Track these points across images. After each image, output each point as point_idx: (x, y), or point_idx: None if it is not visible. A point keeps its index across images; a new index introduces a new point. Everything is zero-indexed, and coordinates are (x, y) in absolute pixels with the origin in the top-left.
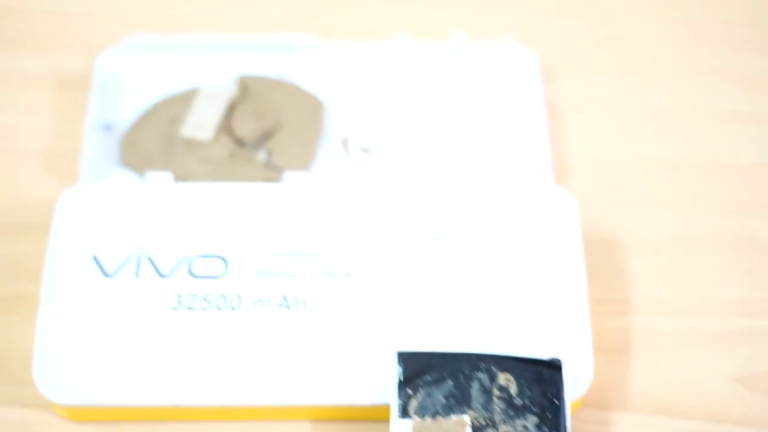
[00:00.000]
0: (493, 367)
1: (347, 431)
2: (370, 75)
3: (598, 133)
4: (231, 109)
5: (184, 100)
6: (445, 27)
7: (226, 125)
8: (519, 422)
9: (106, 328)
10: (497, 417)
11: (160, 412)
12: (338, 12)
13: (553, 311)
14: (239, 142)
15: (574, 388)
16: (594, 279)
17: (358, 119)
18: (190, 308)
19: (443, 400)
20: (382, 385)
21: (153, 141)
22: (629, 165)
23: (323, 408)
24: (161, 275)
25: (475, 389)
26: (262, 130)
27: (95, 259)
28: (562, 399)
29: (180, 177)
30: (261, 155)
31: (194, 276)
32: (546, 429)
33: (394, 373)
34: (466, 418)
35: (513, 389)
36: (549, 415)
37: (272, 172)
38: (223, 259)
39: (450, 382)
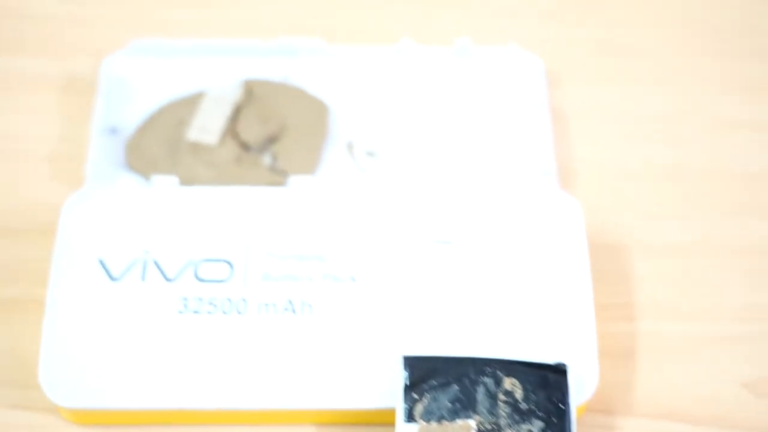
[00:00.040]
0: (498, 372)
1: None
2: (375, 79)
3: (603, 138)
4: (236, 113)
5: (189, 103)
6: (450, 32)
7: (232, 129)
8: (524, 427)
9: (112, 331)
10: (503, 421)
11: (165, 416)
12: (343, 16)
13: (559, 316)
14: (244, 146)
15: (579, 392)
16: (599, 284)
17: (363, 123)
18: (196, 312)
19: (449, 405)
20: (388, 389)
21: (158, 145)
22: (633, 170)
23: (328, 412)
24: (167, 279)
25: (480, 394)
26: (268, 134)
27: (101, 262)
28: (568, 404)
29: (185, 181)
30: (266, 159)
31: (200, 280)
32: None
33: (400, 377)
34: (472, 423)
35: (518, 394)
36: (554, 420)
37: (277, 175)
38: (228, 263)
39: (456, 387)
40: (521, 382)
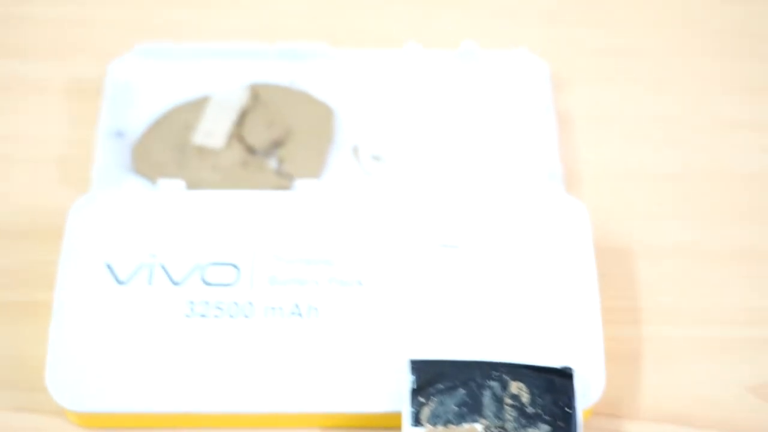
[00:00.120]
0: (505, 376)
1: None
2: (381, 83)
3: (608, 140)
4: (242, 117)
5: (195, 107)
6: (455, 35)
7: (238, 133)
8: (531, 431)
9: (119, 335)
10: (509, 425)
11: (172, 419)
12: (349, 20)
13: (565, 320)
14: (250, 150)
15: (586, 396)
16: (605, 287)
17: (368, 127)
18: (202, 315)
19: (455, 409)
20: (394, 392)
21: (165, 149)
22: (640, 173)
23: (335, 415)
24: (174, 283)
25: (487, 398)
26: (273, 138)
27: (108, 266)
28: (574, 408)
29: (191, 185)
30: (272, 163)
31: (207, 284)
32: None
33: (406, 381)
34: (479, 427)
35: (525, 398)
36: (561, 424)
37: (283, 179)
38: (235, 266)
39: (462, 391)
40: (528, 386)
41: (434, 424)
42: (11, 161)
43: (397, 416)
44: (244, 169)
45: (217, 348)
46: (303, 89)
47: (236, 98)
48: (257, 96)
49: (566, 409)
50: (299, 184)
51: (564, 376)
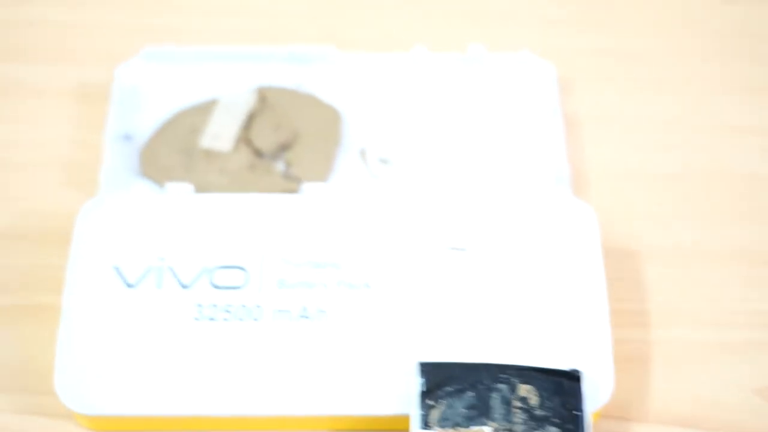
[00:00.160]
0: (513, 378)
1: None
2: (388, 86)
3: (616, 143)
4: (249, 120)
5: (202, 111)
6: (463, 39)
7: (245, 136)
8: None
9: (127, 338)
10: (518, 428)
11: (181, 422)
12: (356, 24)
13: (574, 322)
14: (258, 153)
15: (594, 399)
16: (613, 289)
17: (375, 130)
18: (211, 319)
19: (464, 411)
20: (403, 395)
21: (172, 152)
22: (647, 175)
23: (344, 418)
24: (183, 286)
25: (495, 400)
26: (281, 141)
27: (117, 269)
28: (583, 410)
29: (199, 188)
30: (279, 166)
31: (215, 287)
32: None
33: (415, 383)
34: (487, 429)
35: (533, 400)
36: (569, 427)
37: (291, 182)
38: (243, 269)
39: (471, 393)
40: (536, 388)
41: (443, 427)
42: (19, 165)
43: (405, 419)
44: (251, 172)
45: (225, 351)
46: (310, 92)
47: (243, 101)
48: (264, 99)
49: (575, 411)
50: (307, 187)
51: (572, 378)
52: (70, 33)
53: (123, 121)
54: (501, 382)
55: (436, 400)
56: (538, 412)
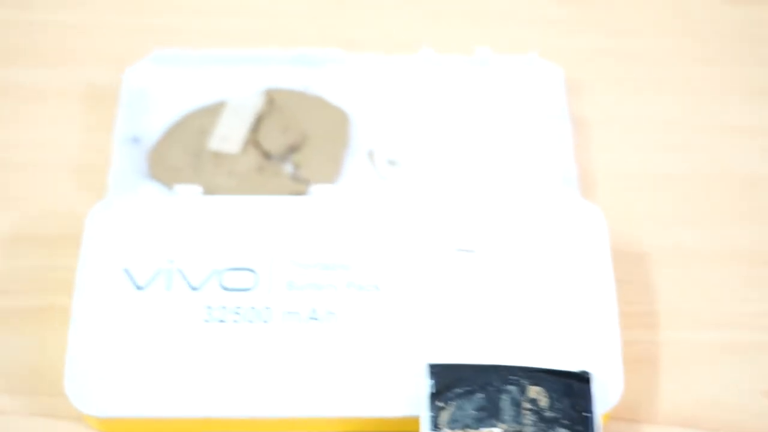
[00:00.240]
0: (523, 380)
1: None
2: (396, 88)
3: (624, 145)
4: (258, 122)
5: (211, 113)
6: (470, 41)
7: (253, 138)
8: None
9: (137, 340)
10: (527, 430)
11: (190, 424)
12: (363, 26)
13: (583, 324)
14: (266, 155)
15: (604, 401)
16: (621, 291)
17: (383, 132)
18: (221, 321)
19: (474, 413)
20: (413, 397)
21: (181, 154)
22: (655, 177)
23: (353, 420)
24: (192, 288)
25: (505, 402)
26: (289, 143)
27: (126, 272)
28: (592, 412)
29: (207, 190)
30: (288, 168)
31: (225, 289)
32: None
33: (425, 385)
34: (497, 431)
35: (543, 402)
36: (579, 428)
37: (299, 184)
38: (253, 271)
39: (480, 395)
40: (546, 390)
41: (453, 429)
42: (28, 167)
43: (415, 421)
44: (259, 174)
45: (235, 353)
46: (318, 94)
47: (252, 104)
48: (272, 101)
49: (584, 413)
50: (315, 189)
51: (582, 380)
52: (78, 36)
53: (131, 123)
54: (511, 384)
55: (445, 402)
56: (548, 414)
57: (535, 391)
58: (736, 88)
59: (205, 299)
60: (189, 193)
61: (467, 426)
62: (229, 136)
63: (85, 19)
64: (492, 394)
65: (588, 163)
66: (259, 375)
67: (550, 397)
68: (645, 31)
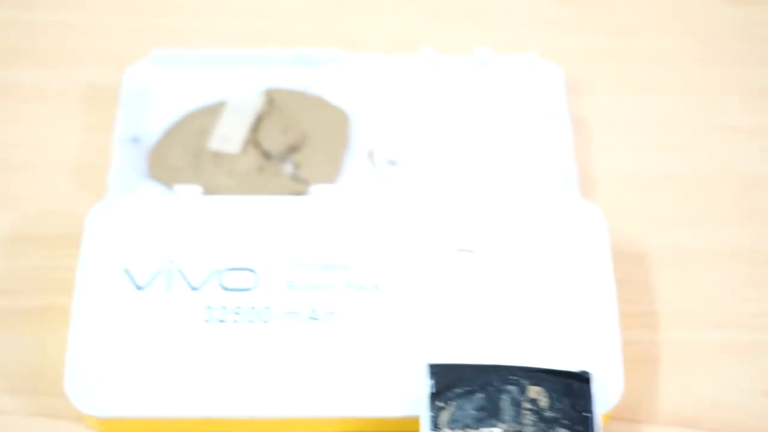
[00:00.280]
0: (523, 380)
1: None
2: (396, 88)
3: (624, 145)
4: (257, 122)
5: (211, 113)
6: (470, 41)
7: (253, 138)
8: None
9: (137, 340)
10: (528, 430)
11: (190, 424)
12: (364, 26)
13: (583, 324)
14: (266, 155)
15: (604, 401)
16: (621, 291)
17: (383, 132)
18: (221, 321)
19: (474, 413)
20: (413, 397)
21: (181, 154)
22: (655, 177)
23: (353, 420)
24: (192, 288)
25: (505, 402)
26: (289, 143)
27: (126, 272)
28: (592, 412)
29: (207, 190)
30: (287, 168)
31: (225, 289)
32: None
33: (425, 385)
34: (497, 431)
35: (543, 402)
36: (579, 428)
37: (299, 184)
38: (253, 271)
39: (480, 395)
40: (546, 390)
41: (453, 429)
42: (27, 167)
43: (415, 421)
44: (259, 174)
45: (235, 353)
46: (318, 94)
47: (252, 104)
48: (272, 101)
49: (584, 413)
50: (315, 189)
51: (582, 380)
52: (79, 35)
53: (131, 123)
54: (511, 384)
55: (445, 402)
56: (548, 414)
57: (535, 391)
58: (736, 88)
59: (205, 299)
60: (189, 193)
61: (467, 426)
62: (229, 136)
63: (86, 19)
64: (492, 394)
65: (588, 163)
66: (259, 375)
67: (550, 397)
68: (645, 31)
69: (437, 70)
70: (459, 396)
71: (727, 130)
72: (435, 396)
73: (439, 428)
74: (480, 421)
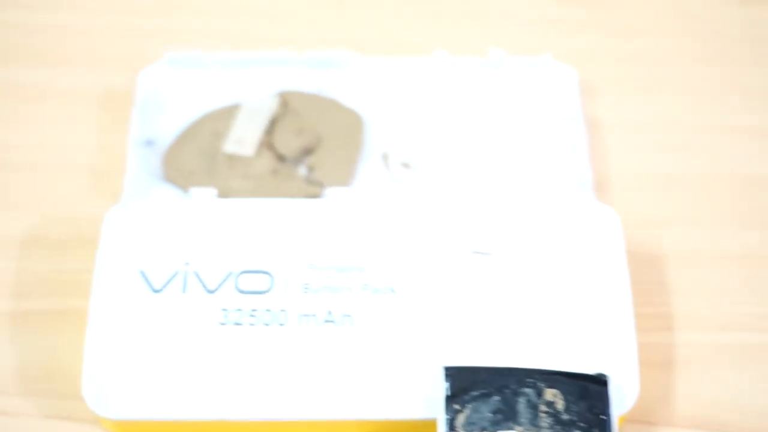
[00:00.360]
0: (539, 383)
1: None
2: (410, 90)
3: (638, 147)
4: (272, 125)
5: (225, 116)
6: (484, 43)
7: (267, 141)
8: None
9: (154, 342)
10: None
11: (207, 427)
12: (377, 28)
13: (599, 327)
14: (280, 158)
15: (620, 403)
16: (636, 293)
17: (397, 134)
18: (237, 323)
19: (490, 416)
20: (429, 399)
21: (195, 157)
22: (670, 179)
23: (370, 422)
24: (208, 291)
25: (522, 405)
26: (303, 146)
27: (143, 274)
28: (609, 414)
29: (222, 193)
30: (302, 171)
31: (241, 291)
32: None
33: (441, 388)
34: None
35: (560, 405)
36: (596, 431)
37: (313, 187)
38: (268, 274)
39: (497, 398)
40: (562, 392)
41: (469, 431)
42: (43, 170)
43: (432, 423)
44: (274, 177)
45: (250, 355)
46: (332, 97)
47: (266, 106)
48: (287, 104)
49: (601, 416)
50: (329, 191)
51: (599, 382)
52: (93, 38)
53: (146, 126)
54: (527, 387)
55: (462, 405)
56: (565, 417)
57: (551, 394)
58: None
59: (221, 302)
60: (204, 195)
61: (484, 428)
62: (243, 138)
63: (101, 22)
64: (508, 397)
65: (602, 165)
66: (275, 378)
67: (567, 400)
68: (656, 33)
69: (451, 72)
70: (475, 399)
71: (744, 132)
72: (451, 399)
73: (455, 431)
74: (496, 424)
